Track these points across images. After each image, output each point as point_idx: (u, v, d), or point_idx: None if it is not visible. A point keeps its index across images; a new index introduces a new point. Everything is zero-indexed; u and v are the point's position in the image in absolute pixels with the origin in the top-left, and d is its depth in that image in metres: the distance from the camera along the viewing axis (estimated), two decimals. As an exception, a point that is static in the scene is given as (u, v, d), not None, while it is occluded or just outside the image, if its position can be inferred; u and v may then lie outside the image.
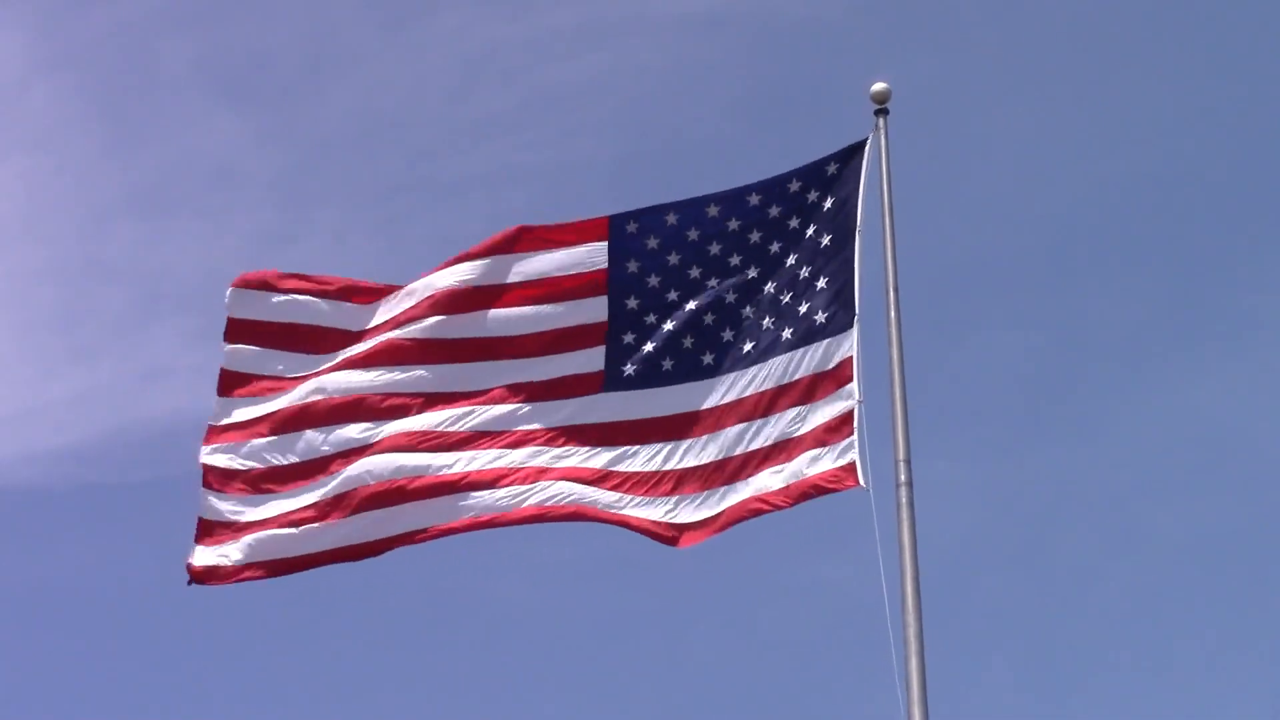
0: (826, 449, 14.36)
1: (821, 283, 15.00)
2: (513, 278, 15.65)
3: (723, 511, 14.67)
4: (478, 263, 15.67)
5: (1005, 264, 35.96)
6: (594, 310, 15.52)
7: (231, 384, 15.84)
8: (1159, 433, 33.78)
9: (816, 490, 14.33)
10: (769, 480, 14.57)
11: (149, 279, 36.30)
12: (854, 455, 14.19)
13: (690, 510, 14.77)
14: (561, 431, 15.27)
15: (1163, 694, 30.45)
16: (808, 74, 36.43)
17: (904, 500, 13.68)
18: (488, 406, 15.42)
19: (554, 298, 15.60)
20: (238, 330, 15.93)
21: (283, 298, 15.93)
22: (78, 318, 35.93)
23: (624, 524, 14.81)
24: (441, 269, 15.80)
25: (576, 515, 14.94)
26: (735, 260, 15.45)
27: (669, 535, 14.73)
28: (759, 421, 14.83)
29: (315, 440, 15.53)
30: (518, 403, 15.37)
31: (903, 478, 13.75)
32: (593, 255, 15.59)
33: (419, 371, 15.57)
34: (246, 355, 15.88)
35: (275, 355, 15.89)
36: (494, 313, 15.63)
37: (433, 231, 36.31)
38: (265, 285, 15.99)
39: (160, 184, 37.18)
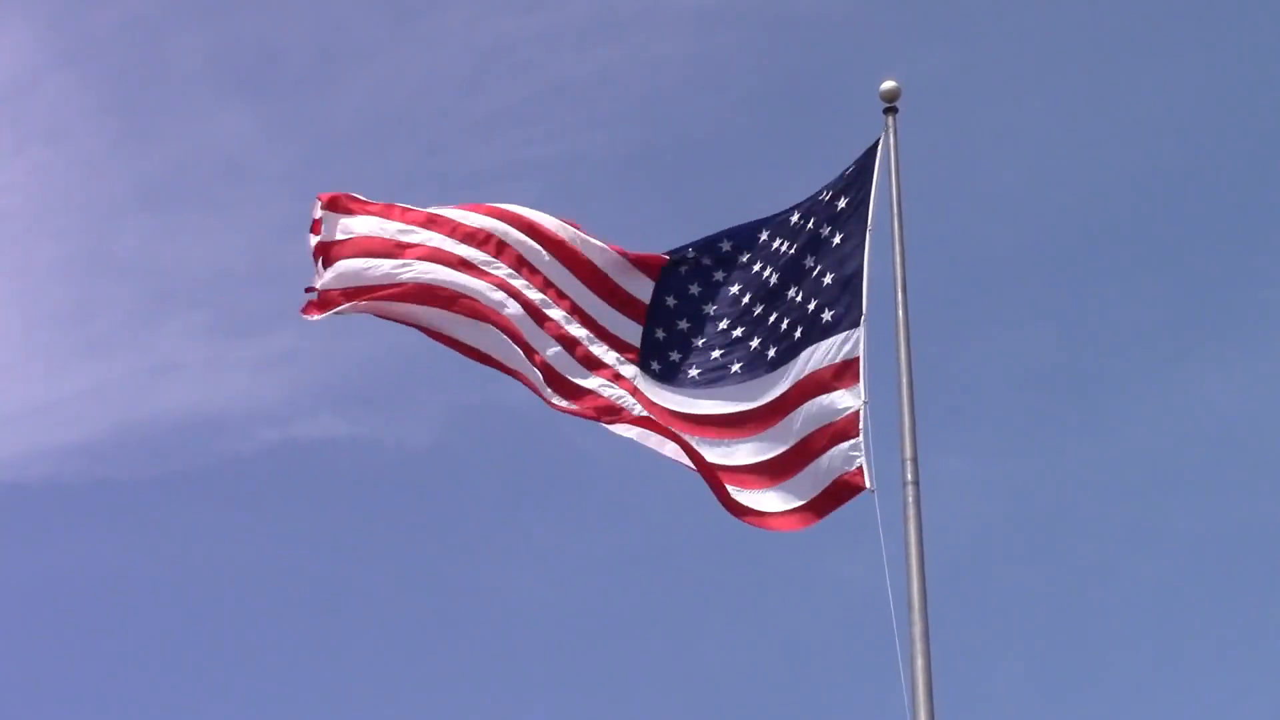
0: (830, 455, 14.32)
1: (829, 279, 15.04)
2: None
3: (758, 512, 14.63)
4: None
5: (1017, 260, 35.97)
6: (641, 288, 15.70)
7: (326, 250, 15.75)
8: (1171, 428, 33.78)
9: (830, 504, 14.29)
10: (783, 501, 14.56)
11: (159, 274, 36.39)
12: (860, 460, 14.19)
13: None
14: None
15: (1175, 690, 30.46)
16: (820, 68, 36.47)
17: (910, 500, 13.65)
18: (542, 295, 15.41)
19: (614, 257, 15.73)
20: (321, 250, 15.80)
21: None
22: (88, 313, 36.01)
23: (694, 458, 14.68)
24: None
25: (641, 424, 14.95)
26: (758, 267, 15.59)
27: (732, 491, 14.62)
28: (776, 427, 14.79)
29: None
30: (566, 311, 15.41)
31: (909, 477, 13.72)
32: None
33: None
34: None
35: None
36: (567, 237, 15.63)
37: (444, 226, 36.24)
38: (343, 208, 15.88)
39: (171, 178, 37.28)
